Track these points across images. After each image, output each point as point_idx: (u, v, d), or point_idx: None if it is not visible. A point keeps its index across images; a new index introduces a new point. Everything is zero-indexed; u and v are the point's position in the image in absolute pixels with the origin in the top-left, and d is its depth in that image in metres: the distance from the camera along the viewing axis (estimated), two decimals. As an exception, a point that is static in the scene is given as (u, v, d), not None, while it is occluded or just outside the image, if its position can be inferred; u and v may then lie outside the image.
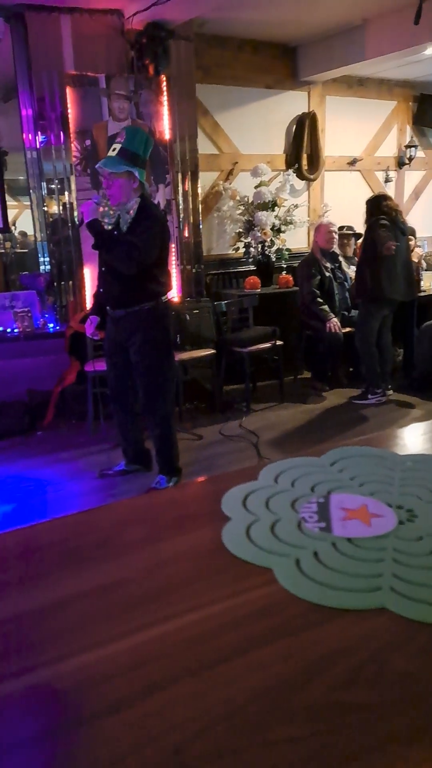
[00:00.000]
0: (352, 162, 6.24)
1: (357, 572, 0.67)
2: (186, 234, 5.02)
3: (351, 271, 5.23)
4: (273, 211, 5.33)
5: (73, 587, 0.68)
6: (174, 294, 4.72)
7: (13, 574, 0.72)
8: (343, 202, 5.90)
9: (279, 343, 4.82)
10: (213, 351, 4.63)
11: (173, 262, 4.90)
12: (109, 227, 3.11)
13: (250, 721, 0.49)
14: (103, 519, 0.88)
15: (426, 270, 5.55)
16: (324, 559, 0.69)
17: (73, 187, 4.57)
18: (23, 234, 5.12)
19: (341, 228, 5.41)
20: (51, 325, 4.62)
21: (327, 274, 5.02)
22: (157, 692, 0.52)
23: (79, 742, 0.48)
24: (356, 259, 5.18)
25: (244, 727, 0.48)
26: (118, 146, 2.96)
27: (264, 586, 0.66)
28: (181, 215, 4.97)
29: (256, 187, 5.34)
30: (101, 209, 3.10)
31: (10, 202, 4.64)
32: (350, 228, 5.64)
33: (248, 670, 0.54)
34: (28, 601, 0.66)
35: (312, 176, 5.87)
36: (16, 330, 4.48)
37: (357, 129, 6.23)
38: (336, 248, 5.16)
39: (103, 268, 3.20)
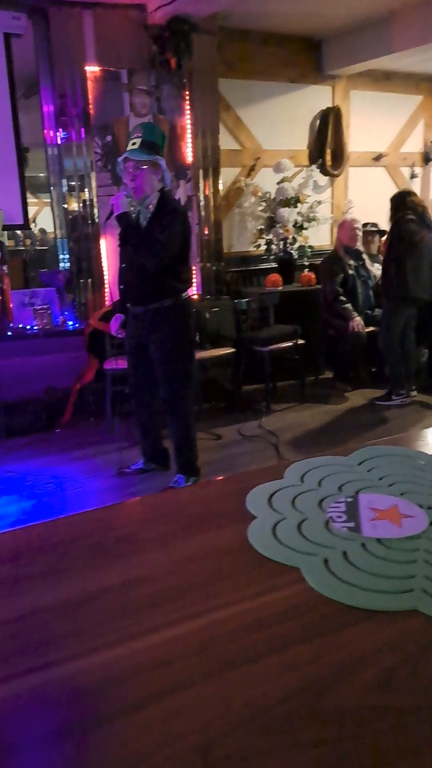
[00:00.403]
0: (377, 158, 6.13)
1: (388, 573, 0.65)
2: (206, 231, 4.97)
3: (375, 269, 5.13)
4: (295, 207, 5.26)
5: (97, 583, 0.68)
6: (194, 291, 4.67)
7: (34, 568, 0.71)
8: (368, 199, 5.80)
9: (300, 342, 4.74)
10: (233, 350, 4.58)
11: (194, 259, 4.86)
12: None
13: (276, 722, 0.48)
14: (125, 515, 0.89)
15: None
16: (353, 559, 0.68)
17: (93, 183, 4.55)
18: (43, 231, 5.11)
19: (365, 225, 5.30)
20: (70, 322, 4.61)
21: (350, 272, 4.92)
22: (181, 691, 0.52)
23: (100, 739, 0.48)
24: (381, 256, 5.08)
25: (271, 729, 0.47)
26: (138, 140, 2.97)
27: (291, 585, 0.65)
28: (202, 212, 4.92)
29: (278, 183, 5.27)
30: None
31: (30, 199, 4.64)
32: (374, 225, 5.53)
33: (275, 671, 0.53)
34: (49, 596, 0.65)
35: (336, 172, 5.79)
36: (35, 327, 4.47)
37: (382, 124, 6.12)
38: (360, 246, 5.07)
39: (123, 264, 3.17)
